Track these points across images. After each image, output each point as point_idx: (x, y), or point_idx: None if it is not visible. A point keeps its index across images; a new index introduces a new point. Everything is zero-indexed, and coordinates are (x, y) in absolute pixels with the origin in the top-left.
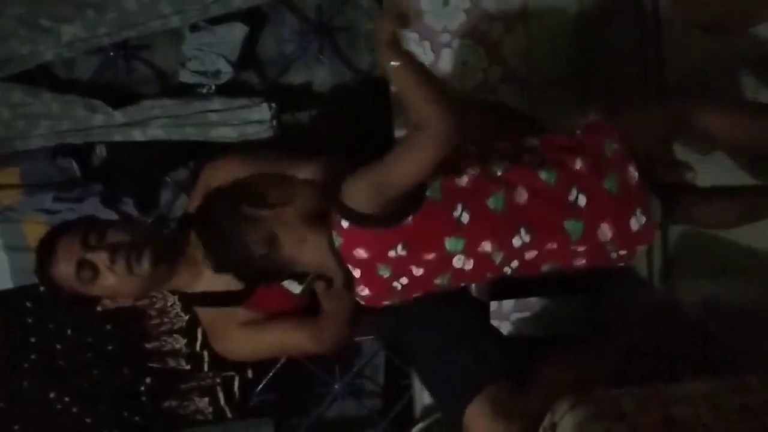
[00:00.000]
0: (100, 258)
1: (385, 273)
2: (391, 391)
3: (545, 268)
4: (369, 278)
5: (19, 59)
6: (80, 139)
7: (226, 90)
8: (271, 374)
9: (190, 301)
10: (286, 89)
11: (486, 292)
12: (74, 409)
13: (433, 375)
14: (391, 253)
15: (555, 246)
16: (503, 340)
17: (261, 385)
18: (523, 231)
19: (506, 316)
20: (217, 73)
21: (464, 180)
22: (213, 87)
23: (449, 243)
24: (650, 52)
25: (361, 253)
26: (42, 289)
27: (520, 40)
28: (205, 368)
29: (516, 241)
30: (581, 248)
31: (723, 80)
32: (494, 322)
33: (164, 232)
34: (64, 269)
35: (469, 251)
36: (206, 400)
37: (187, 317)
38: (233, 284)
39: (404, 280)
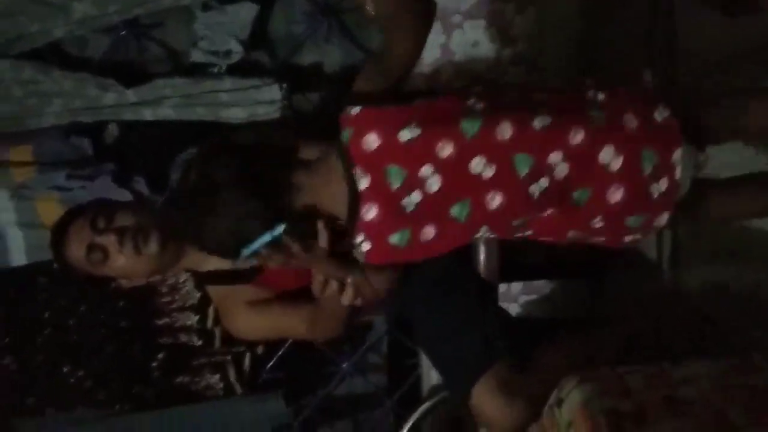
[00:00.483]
0: (109, 241)
1: (395, 180)
2: (398, 371)
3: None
4: (377, 188)
5: (29, 37)
6: (92, 118)
7: (237, 70)
8: (281, 352)
9: (201, 279)
10: (297, 70)
11: (495, 273)
12: (87, 384)
13: (441, 354)
14: (404, 134)
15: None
16: (511, 321)
17: (271, 363)
18: (545, 114)
19: (514, 298)
20: (228, 53)
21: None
22: (224, 67)
23: (465, 124)
24: (661, 35)
25: (371, 140)
26: (56, 266)
27: (532, 21)
28: (217, 345)
29: (537, 123)
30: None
31: (734, 64)
32: (502, 304)
33: (173, 212)
34: (76, 252)
35: (485, 137)
36: (217, 376)
37: (198, 294)
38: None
39: (416, 196)
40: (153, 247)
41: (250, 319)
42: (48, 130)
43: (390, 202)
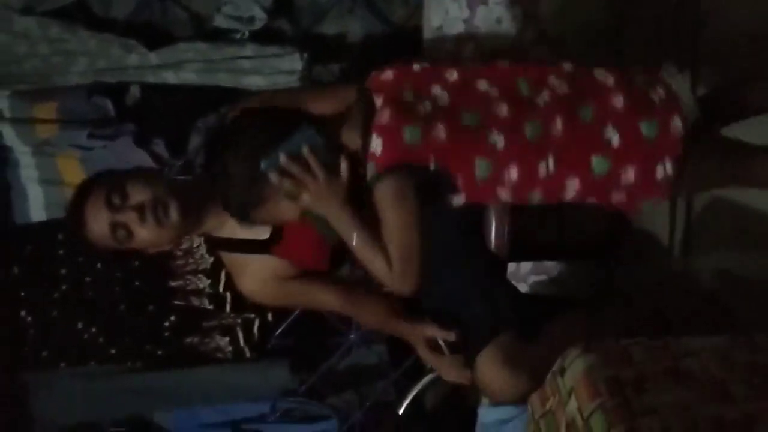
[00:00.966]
0: (130, 218)
1: (408, 95)
2: (402, 342)
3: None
4: (391, 100)
5: None
6: (115, 78)
7: (260, 37)
8: (290, 319)
9: (215, 245)
10: (318, 39)
11: (505, 250)
12: (100, 340)
13: (446, 322)
14: (416, 66)
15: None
16: (518, 295)
17: (280, 329)
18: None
19: (524, 278)
20: (251, 20)
21: None
22: (247, 33)
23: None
24: (687, 14)
25: (387, 74)
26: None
27: (558, 1)
28: (227, 309)
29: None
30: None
31: (761, 42)
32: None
33: (186, 178)
34: (99, 233)
35: (489, 67)
36: (227, 339)
37: (211, 259)
38: (260, 231)
39: (428, 105)
40: (174, 216)
41: (278, 291)
42: (72, 88)
43: (403, 107)
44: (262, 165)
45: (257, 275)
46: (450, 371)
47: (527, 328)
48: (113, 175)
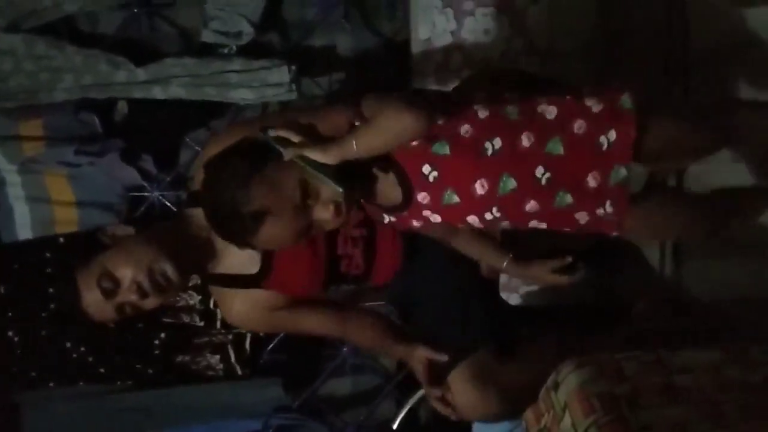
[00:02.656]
0: (130, 297)
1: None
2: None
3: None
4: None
5: (42, 11)
6: (102, 95)
7: (248, 52)
8: (282, 334)
9: (209, 281)
10: (307, 53)
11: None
12: (89, 359)
13: (425, 341)
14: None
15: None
16: (502, 312)
17: (272, 345)
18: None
19: (515, 288)
20: (238, 34)
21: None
22: (234, 48)
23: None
24: (675, 26)
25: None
26: (61, 240)
27: (545, 10)
28: (218, 325)
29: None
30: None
31: (748, 55)
32: (503, 294)
33: (163, 226)
34: (109, 317)
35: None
36: (218, 357)
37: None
38: (249, 266)
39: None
40: (174, 276)
41: (271, 323)
42: (58, 105)
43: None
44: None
45: (245, 307)
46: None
47: (503, 348)
48: (88, 257)
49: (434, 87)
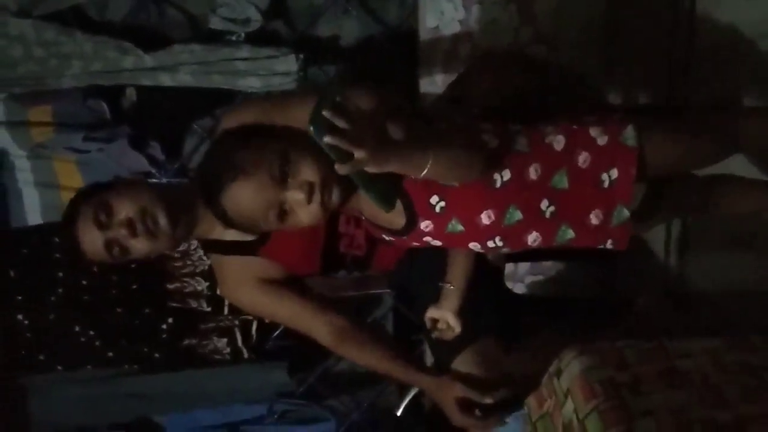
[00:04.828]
0: (121, 234)
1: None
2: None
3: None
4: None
5: None
6: (111, 81)
7: (255, 39)
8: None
9: (206, 247)
10: (314, 41)
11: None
12: (97, 343)
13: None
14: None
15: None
16: (508, 301)
17: (278, 331)
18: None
19: (521, 278)
20: (246, 21)
21: None
22: (242, 35)
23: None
24: (682, 16)
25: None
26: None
27: (554, 1)
28: (225, 311)
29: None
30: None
31: (752, 49)
32: (508, 284)
33: (170, 182)
34: (96, 252)
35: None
36: (224, 340)
37: (209, 261)
38: (247, 234)
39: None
40: (164, 223)
41: (257, 297)
42: (67, 92)
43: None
44: (312, 130)
45: (240, 277)
46: (482, 429)
47: (508, 338)
48: (97, 190)
49: (441, 75)
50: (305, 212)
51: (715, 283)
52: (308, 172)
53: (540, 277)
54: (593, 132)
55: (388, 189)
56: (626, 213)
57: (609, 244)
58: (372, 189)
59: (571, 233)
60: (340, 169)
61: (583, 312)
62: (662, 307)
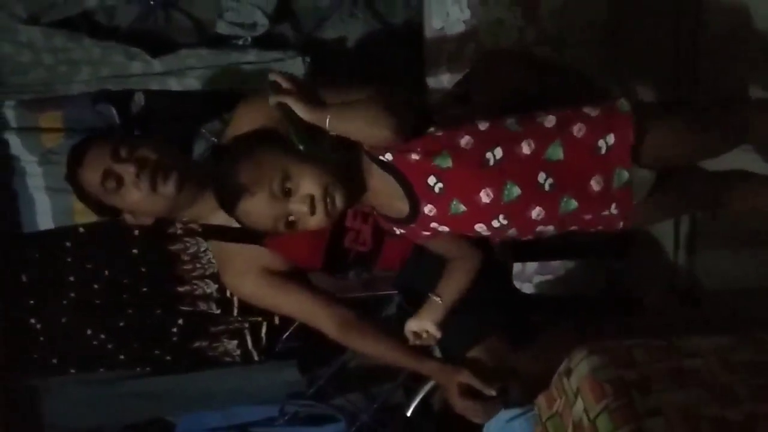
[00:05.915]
0: (127, 170)
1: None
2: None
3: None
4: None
5: (63, 5)
6: (119, 86)
7: (262, 43)
8: (297, 322)
9: (209, 232)
10: (320, 44)
11: (509, 253)
12: (109, 346)
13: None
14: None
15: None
16: (516, 301)
17: (287, 333)
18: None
19: (529, 278)
20: (253, 26)
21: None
22: (249, 39)
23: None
24: (687, 16)
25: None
26: (81, 230)
27: (559, 1)
28: (234, 313)
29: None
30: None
31: (759, 42)
32: (516, 284)
33: (197, 160)
34: (90, 176)
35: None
36: (235, 342)
37: None
38: None
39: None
40: (170, 186)
41: (260, 288)
42: (77, 97)
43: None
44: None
45: (244, 266)
46: (480, 417)
47: (517, 335)
48: (135, 135)
49: (447, 76)
50: (311, 221)
51: (723, 281)
52: (309, 186)
53: (548, 277)
54: (586, 109)
55: (309, 134)
56: (626, 174)
57: (614, 210)
58: (296, 127)
59: (574, 203)
60: (271, 99)
61: (591, 310)
62: (671, 304)
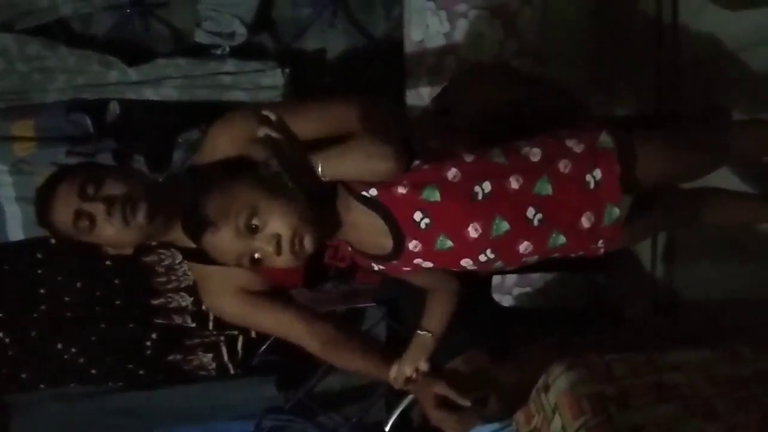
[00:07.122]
0: (97, 209)
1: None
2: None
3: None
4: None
5: (38, 12)
6: (95, 95)
7: (241, 52)
8: (274, 336)
9: (187, 254)
10: (300, 54)
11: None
12: (80, 360)
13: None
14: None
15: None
16: (495, 314)
17: (264, 346)
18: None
19: (508, 290)
20: (231, 35)
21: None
22: (227, 48)
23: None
24: (666, 30)
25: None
26: (53, 241)
27: (537, 13)
28: (210, 326)
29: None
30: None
31: (738, 61)
32: (496, 296)
33: (164, 184)
34: (62, 218)
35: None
36: (210, 355)
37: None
38: None
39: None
40: (141, 218)
41: (240, 308)
42: (50, 106)
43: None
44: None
45: (221, 287)
46: (456, 429)
47: (497, 348)
48: (97, 166)
49: (427, 89)
50: (278, 261)
51: (702, 292)
52: (277, 225)
53: (528, 289)
54: (569, 143)
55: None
56: (617, 211)
57: (600, 244)
58: (284, 163)
59: (562, 239)
60: (260, 130)
61: (571, 323)
62: (651, 317)
